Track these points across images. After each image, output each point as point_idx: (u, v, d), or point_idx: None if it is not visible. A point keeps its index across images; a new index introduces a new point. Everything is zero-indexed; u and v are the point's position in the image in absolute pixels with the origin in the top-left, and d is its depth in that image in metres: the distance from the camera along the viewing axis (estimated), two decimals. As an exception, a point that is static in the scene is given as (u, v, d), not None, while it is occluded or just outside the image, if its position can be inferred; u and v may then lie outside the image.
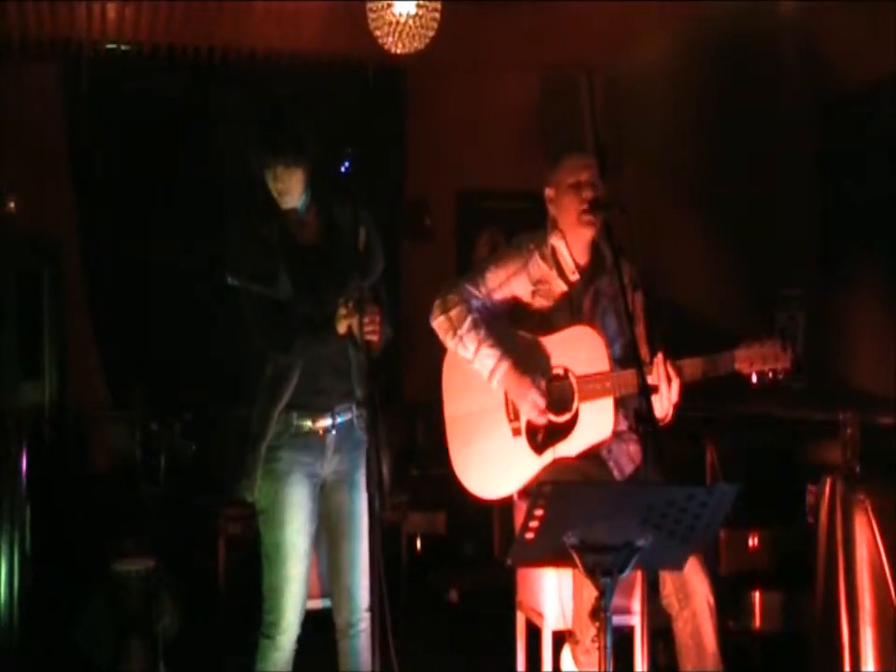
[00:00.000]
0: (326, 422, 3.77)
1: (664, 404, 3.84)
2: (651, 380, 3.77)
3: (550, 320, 4.05)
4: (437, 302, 4.09)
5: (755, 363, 3.79)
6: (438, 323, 4.07)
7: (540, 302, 4.09)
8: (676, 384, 3.83)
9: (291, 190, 3.73)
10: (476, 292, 4.08)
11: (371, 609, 3.32)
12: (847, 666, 4.43)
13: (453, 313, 4.03)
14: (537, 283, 4.09)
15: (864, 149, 5.70)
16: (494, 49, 7.81)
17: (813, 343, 6.04)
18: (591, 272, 4.11)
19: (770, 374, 3.79)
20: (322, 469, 3.79)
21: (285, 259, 3.71)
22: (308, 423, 3.76)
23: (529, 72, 8.37)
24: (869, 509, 4.40)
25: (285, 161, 3.69)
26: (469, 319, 4.01)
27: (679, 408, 3.89)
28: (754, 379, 3.79)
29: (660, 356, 3.85)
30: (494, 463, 4.06)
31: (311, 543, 3.77)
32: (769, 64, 6.51)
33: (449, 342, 4.05)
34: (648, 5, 6.78)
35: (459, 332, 4.01)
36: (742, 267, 6.86)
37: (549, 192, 4.14)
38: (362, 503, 3.72)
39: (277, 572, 3.72)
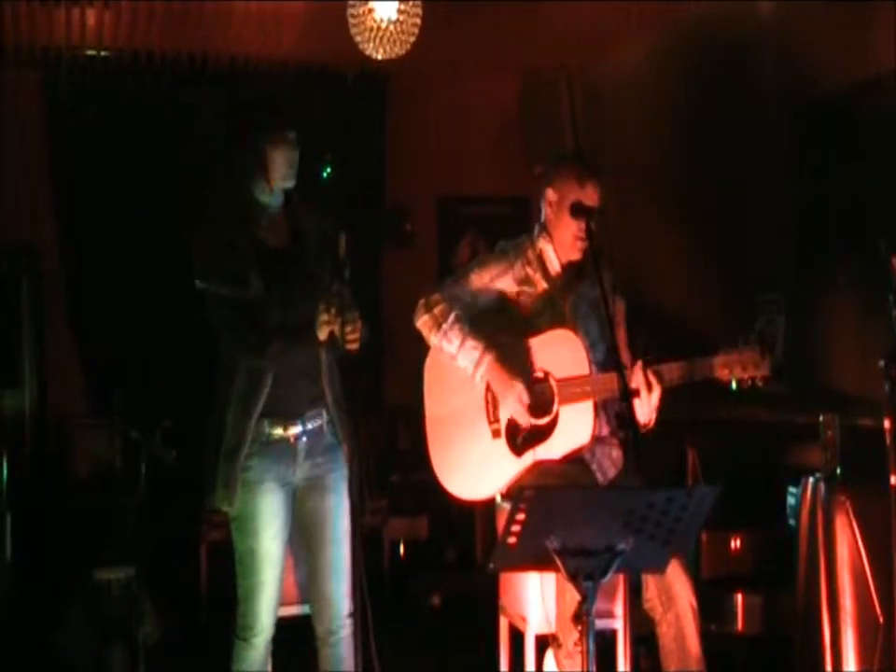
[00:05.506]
0: (296, 429, 3.74)
1: (644, 410, 3.84)
2: (633, 384, 3.78)
3: (531, 322, 4.05)
4: (421, 302, 4.08)
5: (734, 370, 3.78)
6: (422, 321, 4.06)
7: (524, 303, 4.09)
8: (657, 390, 3.84)
9: (295, 164, 3.72)
10: (460, 293, 4.08)
11: (353, 614, 3.31)
12: (828, 668, 4.44)
13: (436, 310, 4.02)
14: (521, 283, 4.09)
15: (841, 152, 5.72)
16: (474, 54, 7.82)
17: (793, 346, 6.05)
18: (574, 276, 4.11)
19: (749, 381, 3.79)
20: (294, 476, 3.77)
21: (255, 261, 3.68)
22: (279, 430, 3.73)
23: (509, 76, 8.38)
24: (849, 510, 4.41)
25: (293, 131, 3.71)
26: (452, 314, 4.00)
27: (660, 412, 3.89)
28: (733, 386, 3.79)
29: (639, 363, 3.85)
30: (474, 465, 4.06)
31: (285, 548, 3.76)
32: (748, 68, 6.53)
33: (433, 338, 4.04)
34: (627, 8, 6.80)
35: (444, 327, 3.99)
36: (721, 270, 6.87)
37: (550, 195, 4.07)
38: (338, 507, 3.75)
39: (252, 578, 3.71)
